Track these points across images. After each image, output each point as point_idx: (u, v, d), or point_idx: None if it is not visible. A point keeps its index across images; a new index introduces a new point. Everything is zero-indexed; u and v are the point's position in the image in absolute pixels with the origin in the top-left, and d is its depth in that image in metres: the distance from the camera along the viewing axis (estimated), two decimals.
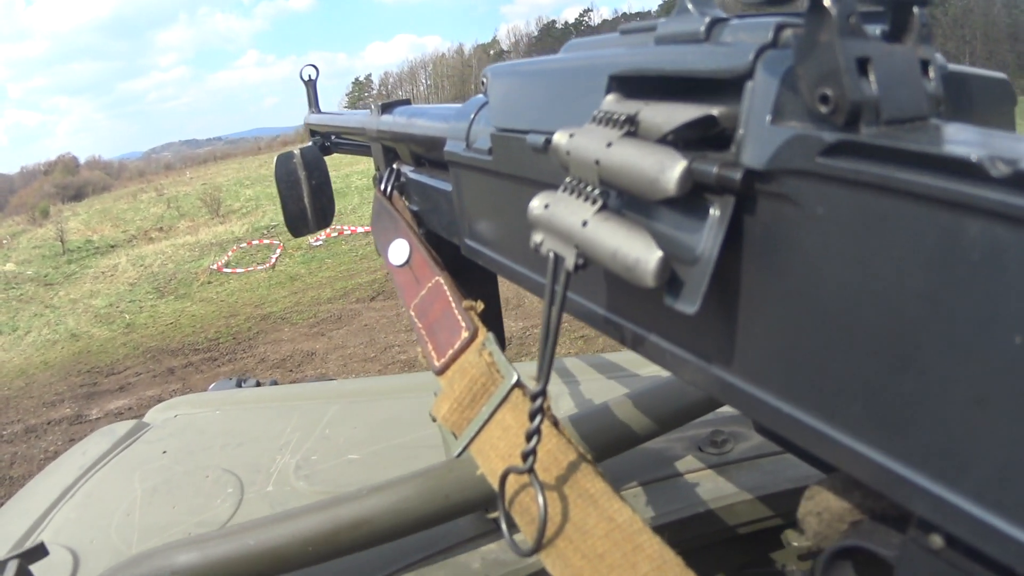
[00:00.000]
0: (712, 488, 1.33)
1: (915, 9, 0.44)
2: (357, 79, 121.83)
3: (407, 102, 1.27)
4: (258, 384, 2.34)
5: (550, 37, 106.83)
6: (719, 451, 1.42)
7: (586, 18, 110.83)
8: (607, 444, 1.25)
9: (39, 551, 1.10)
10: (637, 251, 0.50)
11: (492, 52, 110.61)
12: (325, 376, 8.89)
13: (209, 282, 17.63)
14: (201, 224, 25.27)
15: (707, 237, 0.48)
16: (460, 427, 0.83)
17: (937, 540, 0.39)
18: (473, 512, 1.20)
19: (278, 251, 18.94)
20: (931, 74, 0.43)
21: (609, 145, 0.51)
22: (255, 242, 20.22)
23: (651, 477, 1.37)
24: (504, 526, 0.70)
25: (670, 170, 0.46)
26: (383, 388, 1.98)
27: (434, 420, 1.22)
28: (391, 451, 1.58)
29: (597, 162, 0.52)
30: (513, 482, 0.71)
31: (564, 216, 0.56)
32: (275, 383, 2.46)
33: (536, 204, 0.59)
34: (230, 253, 19.60)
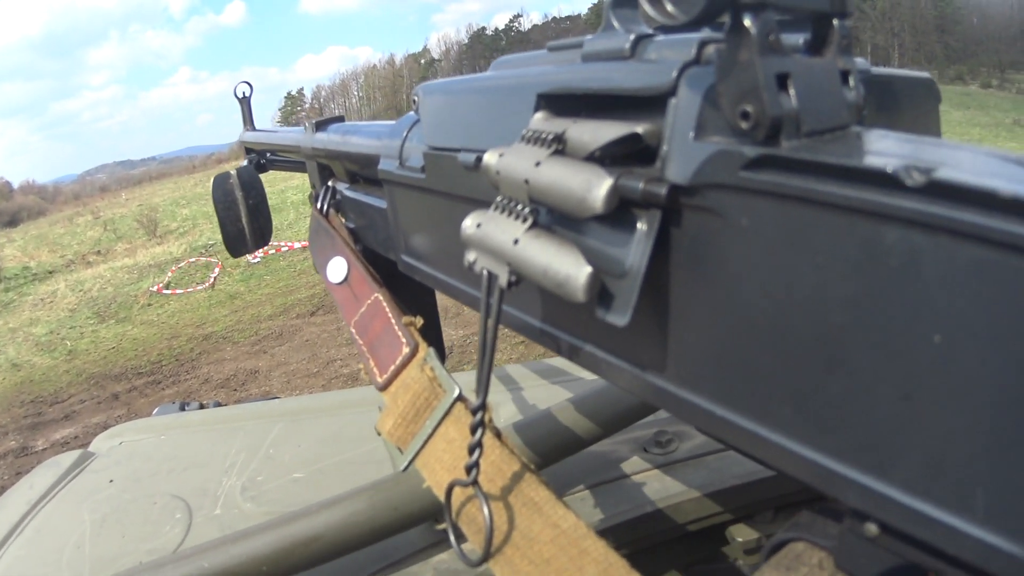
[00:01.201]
0: (659, 488, 1.35)
1: (835, 21, 0.45)
2: (289, 93, 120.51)
3: (341, 119, 1.28)
4: (201, 407, 2.33)
5: (480, 44, 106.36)
6: (664, 451, 1.44)
7: (516, 24, 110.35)
8: (552, 450, 1.27)
9: None
10: (567, 267, 0.50)
11: (423, 61, 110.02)
12: (269, 394, 8.83)
13: (149, 304, 17.41)
14: (139, 246, 24.94)
15: (635, 251, 0.50)
16: (405, 441, 0.85)
17: (872, 528, 0.41)
18: (423, 523, 1.22)
19: (217, 270, 18.75)
20: (851, 83, 0.46)
21: (538, 164, 0.52)
22: (193, 260, 20.00)
23: (598, 480, 1.39)
24: (452, 537, 0.72)
25: (597, 188, 0.48)
26: (325, 405, 1.99)
27: (380, 435, 1.25)
28: (335, 467, 1.59)
29: (526, 181, 0.53)
30: (459, 494, 0.73)
31: (496, 235, 0.56)
32: (219, 404, 2.45)
33: (469, 224, 0.60)
34: (169, 274, 19.34)
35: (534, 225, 0.55)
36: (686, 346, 0.50)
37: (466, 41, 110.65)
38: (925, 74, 0.65)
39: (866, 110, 0.48)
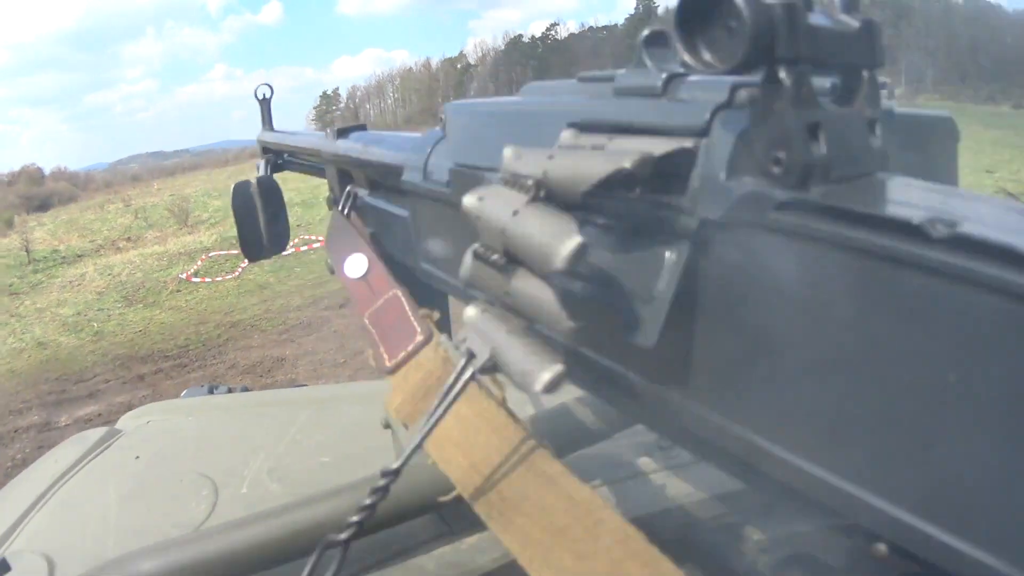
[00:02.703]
0: (667, 488, 1.35)
1: (864, 73, 0.48)
2: (325, 93, 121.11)
3: (363, 127, 1.30)
4: (229, 391, 2.34)
5: (516, 51, 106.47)
6: (668, 454, 1.43)
7: (553, 32, 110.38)
8: (565, 443, 1.24)
9: (2, 566, 1.11)
10: (556, 235, 0.50)
11: (459, 66, 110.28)
12: (296, 382, 8.86)
13: (178, 290, 17.55)
14: (169, 234, 25.14)
15: (664, 277, 0.51)
16: (413, 418, 0.85)
17: (882, 548, 0.42)
18: (423, 514, 1.21)
19: (246, 260, 18.84)
20: (877, 132, 0.47)
21: (551, 158, 0.53)
22: (223, 251, 20.10)
23: (606, 478, 1.38)
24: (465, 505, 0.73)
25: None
26: (351, 394, 2.00)
27: (386, 427, 1.25)
28: (363, 453, 1.59)
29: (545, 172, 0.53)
30: (469, 470, 0.73)
31: (496, 210, 0.55)
32: (246, 390, 2.45)
33: (470, 198, 0.58)
34: (199, 262, 19.51)
35: (535, 199, 0.54)
36: (709, 371, 0.52)
37: (502, 48, 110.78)
38: (946, 113, 0.66)
39: (889, 150, 0.49)
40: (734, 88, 0.49)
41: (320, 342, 11.57)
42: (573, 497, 0.66)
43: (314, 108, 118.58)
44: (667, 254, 0.51)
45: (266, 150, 1.69)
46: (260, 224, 1.52)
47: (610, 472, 1.39)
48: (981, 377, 0.35)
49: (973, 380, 0.35)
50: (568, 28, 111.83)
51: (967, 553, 0.36)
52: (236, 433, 1.81)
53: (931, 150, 0.63)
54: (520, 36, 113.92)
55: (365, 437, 1.66)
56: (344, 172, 1.29)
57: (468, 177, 0.78)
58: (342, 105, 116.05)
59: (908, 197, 0.41)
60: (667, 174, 0.50)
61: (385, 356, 0.92)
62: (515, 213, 0.52)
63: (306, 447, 1.68)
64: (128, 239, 25.83)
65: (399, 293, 0.98)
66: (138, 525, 1.43)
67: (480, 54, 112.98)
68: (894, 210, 0.38)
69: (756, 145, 0.45)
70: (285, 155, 1.64)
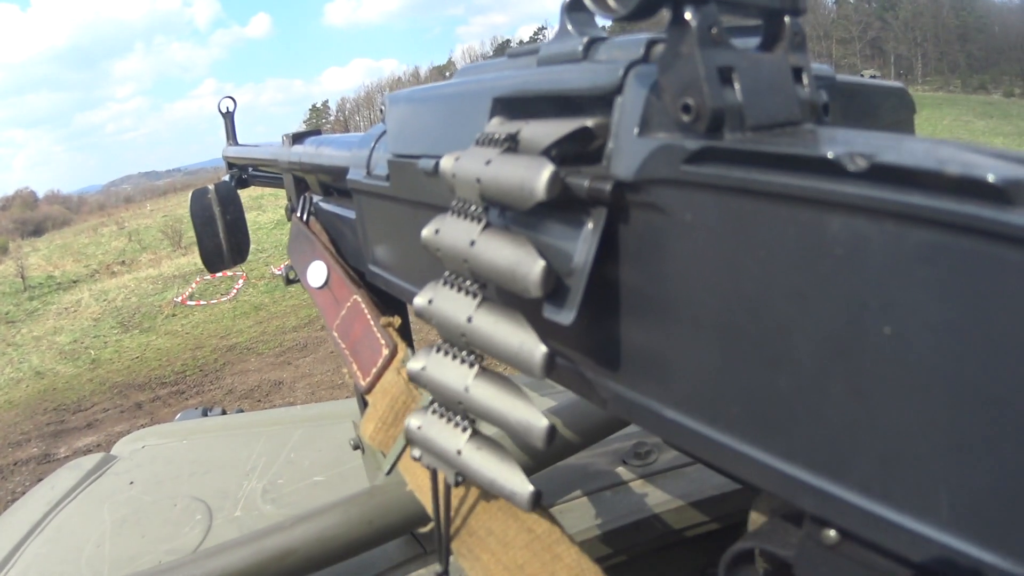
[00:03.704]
0: (640, 498, 1.35)
1: (787, 19, 0.46)
2: (314, 105, 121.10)
3: (318, 132, 1.28)
4: (223, 413, 2.34)
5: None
6: (643, 462, 1.44)
7: (540, 36, 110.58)
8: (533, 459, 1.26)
9: None
10: (521, 263, 0.50)
11: (448, 74, 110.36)
12: (295, 406, 8.86)
13: (173, 315, 17.56)
14: (163, 256, 25.17)
15: (581, 248, 0.50)
16: (386, 445, 0.86)
17: (831, 535, 0.39)
18: (398, 537, 1.22)
19: (241, 281, 18.87)
20: (805, 81, 0.45)
21: (488, 162, 0.52)
22: (218, 275, 20.10)
23: (578, 491, 1.39)
24: (440, 537, 0.74)
25: (538, 175, 0.47)
26: (346, 411, 1.99)
27: (355, 448, 1.27)
28: (356, 471, 1.59)
29: (478, 180, 0.53)
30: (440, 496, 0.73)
31: (453, 237, 0.56)
32: (241, 412, 2.46)
33: (428, 230, 0.59)
34: (193, 285, 19.51)
35: (488, 225, 0.54)
36: (635, 346, 0.50)
37: (491, 54, 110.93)
38: (898, 84, 0.65)
39: (829, 116, 0.48)
40: (650, 43, 0.47)
41: (317, 363, 11.58)
42: (533, 530, 0.67)
43: (304, 122, 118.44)
44: (585, 224, 0.49)
45: (231, 166, 1.66)
46: (220, 234, 1.50)
47: (588, 483, 1.40)
48: (918, 327, 0.32)
49: (911, 331, 0.32)
50: (556, 31, 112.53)
51: (925, 534, 0.33)
52: (230, 455, 1.81)
53: (882, 121, 0.63)
54: (508, 41, 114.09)
55: (356, 455, 1.65)
56: (300, 180, 1.28)
57: (404, 167, 0.78)
58: (332, 118, 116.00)
59: (831, 139, 0.38)
60: (583, 145, 0.49)
61: (359, 374, 0.92)
62: (488, 162, 0.52)
63: (299, 467, 1.67)
64: (122, 263, 25.85)
65: (359, 298, 0.98)
66: (133, 551, 1.43)
67: (468, 60, 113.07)
68: (809, 148, 0.36)
69: (665, 94, 0.43)
70: (249, 169, 1.61)
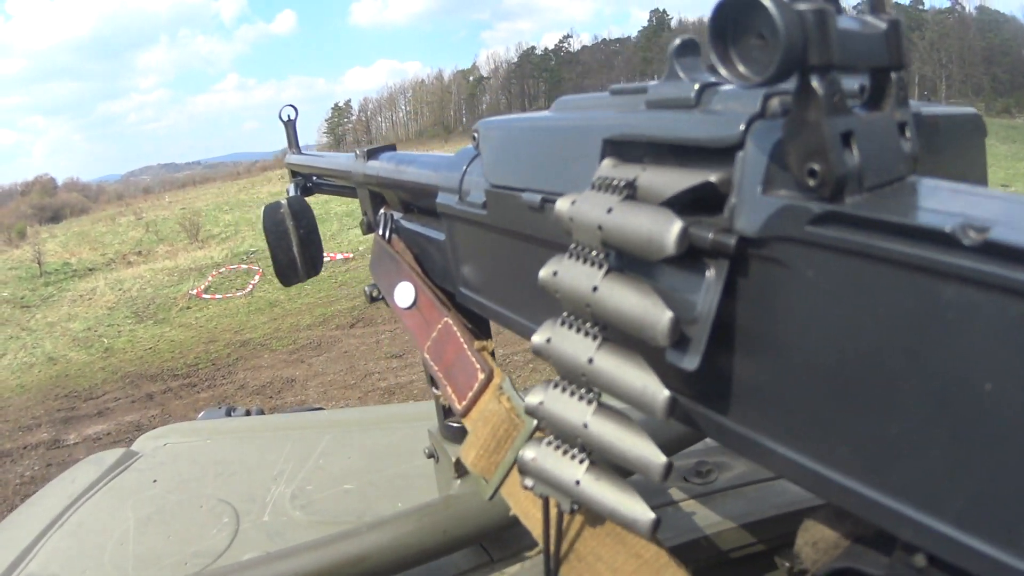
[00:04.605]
0: (699, 517, 1.35)
1: (893, 75, 0.47)
2: (336, 104, 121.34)
3: (392, 147, 1.28)
4: (247, 413, 2.33)
5: (529, 63, 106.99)
6: (704, 481, 1.45)
7: (565, 44, 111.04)
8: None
9: None
10: (649, 312, 0.51)
11: (471, 78, 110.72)
12: (305, 403, 8.87)
13: (188, 307, 17.62)
14: (180, 249, 25.22)
15: (705, 298, 0.51)
16: (489, 471, 0.86)
17: (920, 560, 0.43)
18: (469, 547, 1.22)
19: (257, 277, 18.92)
20: (907, 134, 0.47)
21: (610, 210, 0.53)
22: (234, 267, 20.17)
23: None
24: (549, 567, 0.74)
25: (668, 230, 0.48)
26: (375, 418, 1.99)
27: (429, 456, 1.28)
28: (386, 481, 1.59)
29: (600, 227, 0.54)
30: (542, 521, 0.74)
31: (575, 281, 0.57)
32: (261, 412, 2.45)
33: (545, 272, 0.59)
34: (209, 278, 19.57)
35: (611, 271, 0.55)
36: (751, 388, 0.52)
37: (515, 60, 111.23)
38: (971, 109, 0.65)
39: (918, 150, 0.49)
40: (767, 98, 0.48)
41: (330, 363, 11.59)
42: (641, 555, 0.68)
43: (325, 120, 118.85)
44: (707, 273, 0.51)
45: (294, 173, 1.67)
46: (294, 248, 1.48)
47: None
48: (1015, 384, 0.35)
49: (1008, 388, 0.35)
50: (581, 40, 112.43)
51: (1009, 564, 0.36)
52: (256, 458, 1.81)
53: (959, 147, 0.63)
54: (533, 48, 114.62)
55: (389, 463, 1.67)
56: (376, 194, 1.28)
57: (505, 199, 0.79)
58: (354, 118, 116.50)
59: (940, 202, 0.41)
60: (701, 194, 0.50)
61: (455, 397, 0.93)
62: (610, 210, 0.53)
63: (329, 473, 1.66)
64: (139, 253, 25.94)
65: (450, 320, 0.98)
66: (158, 551, 1.43)
67: (493, 66, 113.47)
68: (926, 218, 0.38)
69: (791, 158, 0.44)
70: (314, 177, 1.62)
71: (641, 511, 0.60)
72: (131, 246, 27.56)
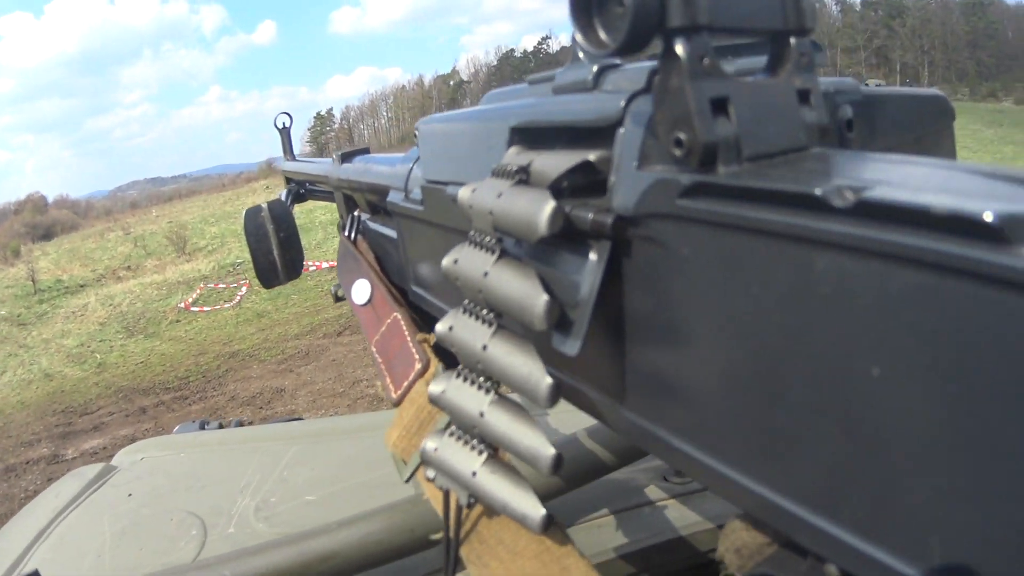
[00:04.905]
0: (677, 516, 1.35)
1: (792, 39, 0.44)
2: (319, 113, 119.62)
3: (366, 151, 1.30)
4: (221, 426, 2.36)
5: (508, 66, 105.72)
6: (683, 480, 1.44)
7: (544, 46, 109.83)
8: (575, 475, 1.27)
9: None
10: (527, 296, 0.51)
11: (452, 82, 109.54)
12: (295, 414, 8.83)
13: (177, 320, 17.52)
14: (168, 262, 25.05)
15: (587, 281, 0.49)
16: (408, 453, 0.88)
17: (832, 570, 0.39)
18: (438, 545, 1.21)
19: (244, 288, 18.86)
20: (812, 103, 0.44)
21: (500, 195, 0.53)
22: (222, 286, 20.07)
23: (618, 506, 1.40)
24: (448, 548, 0.76)
25: (541, 210, 0.48)
26: (342, 428, 2.03)
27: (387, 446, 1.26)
28: (348, 491, 1.62)
29: (491, 212, 0.53)
30: (454, 506, 0.75)
31: (469, 267, 0.57)
32: (240, 423, 2.47)
33: (448, 260, 0.59)
34: (197, 291, 19.47)
35: (501, 256, 0.55)
36: (642, 376, 0.50)
37: (495, 63, 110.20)
38: (933, 90, 0.63)
39: (854, 132, 0.48)
40: (653, 73, 0.45)
41: (318, 372, 11.55)
42: (544, 541, 0.69)
43: (308, 129, 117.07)
44: (590, 256, 0.49)
45: (289, 180, 1.69)
46: (274, 251, 1.51)
47: (619, 501, 1.42)
48: (907, 370, 0.31)
49: (899, 373, 0.31)
50: (560, 41, 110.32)
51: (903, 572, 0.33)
52: (225, 470, 1.84)
53: (918, 131, 0.61)
54: (512, 51, 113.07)
55: (352, 473, 1.71)
56: (349, 198, 1.30)
57: (435, 193, 0.79)
58: (336, 126, 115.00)
59: (833, 169, 0.38)
60: (590, 177, 0.49)
61: (391, 387, 0.94)
62: (500, 195, 0.53)
63: (292, 485, 1.70)
64: (128, 268, 25.76)
65: (399, 316, 0.99)
66: (131, 563, 1.47)
67: (472, 70, 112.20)
68: (798, 183, 0.35)
69: (660, 128, 0.42)
70: (307, 184, 1.64)
71: (532, 507, 0.59)
72: (120, 261, 27.36)
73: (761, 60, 0.46)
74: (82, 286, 23.72)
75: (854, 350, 0.33)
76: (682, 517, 1.35)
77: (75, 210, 78.22)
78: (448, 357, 0.97)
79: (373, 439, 1.90)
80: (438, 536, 0.81)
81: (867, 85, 0.57)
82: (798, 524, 0.38)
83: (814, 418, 0.36)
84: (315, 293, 17.07)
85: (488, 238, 0.56)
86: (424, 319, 1.01)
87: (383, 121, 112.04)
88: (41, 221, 61.26)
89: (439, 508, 0.76)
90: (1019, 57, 69.92)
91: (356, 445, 1.89)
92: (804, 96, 0.44)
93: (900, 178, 0.33)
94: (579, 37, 0.44)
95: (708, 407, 0.44)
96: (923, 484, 0.31)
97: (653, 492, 1.43)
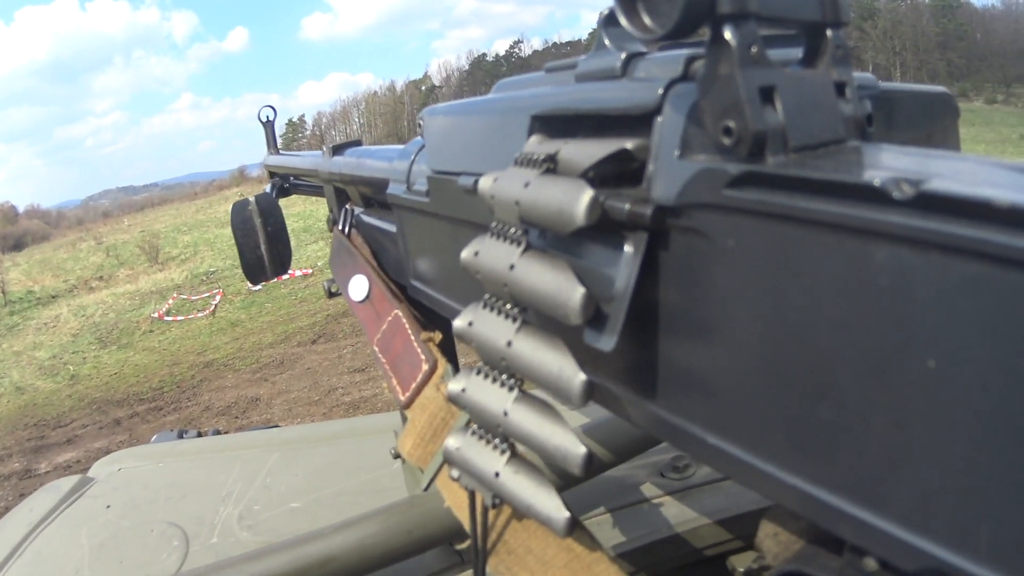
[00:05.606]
0: (676, 513, 1.35)
1: (828, 32, 0.44)
2: (291, 120, 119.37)
3: (358, 143, 1.28)
4: (199, 435, 2.33)
5: (480, 70, 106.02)
6: (681, 476, 1.44)
7: (516, 50, 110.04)
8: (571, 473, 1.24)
9: None
10: (561, 290, 0.49)
11: (424, 88, 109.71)
12: (270, 422, 8.83)
13: (151, 331, 17.49)
14: (140, 272, 25.03)
15: (623, 274, 0.48)
16: (424, 461, 0.86)
17: (871, 563, 0.39)
18: (436, 547, 1.22)
19: (218, 297, 18.82)
20: (848, 96, 0.44)
21: (527, 184, 0.51)
22: (195, 298, 20.01)
23: (617, 504, 1.39)
24: (478, 557, 0.73)
25: (578, 200, 0.46)
26: (322, 434, 2.00)
27: (396, 457, 1.23)
28: (332, 497, 1.60)
29: (517, 202, 0.52)
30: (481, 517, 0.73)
31: (493, 261, 0.55)
32: (217, 432, 2.45)
33: (467, 252, 0.58)
34: (170, 301, 19.43)
35: (528, 248, 0.53)
36: (676, 372, 0.49)
37: (467, 67, 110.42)
38: (941, 88, 0.63)
39: (873, 127, 0.46)
40: (689, 60, 0.46)
41: (293, 380, 11.55)
42: (572, 549, 0.67)
43: (280, 136, 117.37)
44: (626, 248, 0.48)
45: (272, 175, 1.66)
46: (261, 245, 1.46)
47: (616, 499, 1.41)
48: (963, 362, 0.31)
49: (956, 365, 0.31)
50: (532, 45, 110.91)
51: (965, 569, 0.32)
52: (205, 480, 1.82)
53: (926, 128, 0.61)
54: (484, 55, 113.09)
55: (335, 480, 1.69)
56: (341, 191, 1.29)
57: (444, 184, 0.77)
58: (308, 132, 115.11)
59: (878, 161, 0.37)
60: (623, 165, 0.48)
61: (399, 389, 0.92)
62: (527, 184, 0.51)
63: (276, 492, 1.68)
64: (100, 278, 25.71)
65: (400, 313, 0.97)
66: None
67: (444, 75, 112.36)
68: (855, 174, 0.34)
69: (706, 116, 0.41)
70: (291, 178, 1.61)
71: (556, 509, 0.57)
72: (92, 271, 27.32)
73: (788, 53, 0.46)
74: (54, 297, 23.66)
75: (910, 342, 0.33)
76: (680, 514, 1.35)
77: (46, 220, 78.05)
78: (451, 355, 0.97)
79: (353, 445, 1.89)
80: (464, 546, 0.79)
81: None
82: (840, 517, 0.38)
83: (863, 410, 0.36)
84: (288, 301, 17.10)
85: (513, 229, 0.54)
86: (427, 316, 0.99)
87: (355, 127, 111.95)
88: (11, 231, 61.14)
89: (463, 517, 0.74)
90: (988, 58, 70.79)
91: (337, 451, 1.87)
92: (840, 89, 0.44)
93: (948, 171, 0.32)
94: (624, 21, 0.43)
95: (747, 402, 0.43)
96: (974, 475, 0.31)
97: (650, 489, 1.43)
